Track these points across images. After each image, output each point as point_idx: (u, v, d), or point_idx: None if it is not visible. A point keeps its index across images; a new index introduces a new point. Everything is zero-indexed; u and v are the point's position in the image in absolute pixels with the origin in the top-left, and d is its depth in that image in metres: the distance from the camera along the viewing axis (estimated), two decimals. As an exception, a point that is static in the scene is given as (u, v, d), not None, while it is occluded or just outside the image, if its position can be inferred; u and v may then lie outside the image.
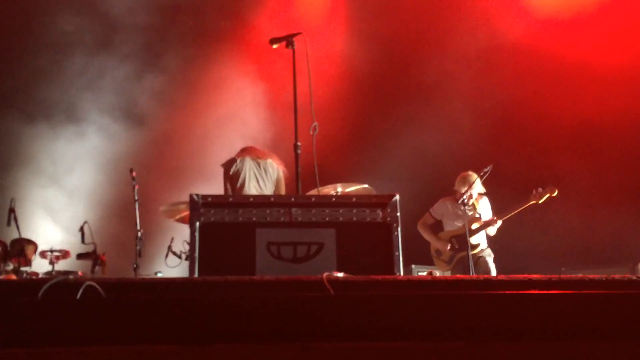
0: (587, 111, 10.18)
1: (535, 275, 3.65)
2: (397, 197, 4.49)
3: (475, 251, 8.19)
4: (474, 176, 8.35)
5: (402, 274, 4.32)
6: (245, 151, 7.77)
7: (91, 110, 10.37)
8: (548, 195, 7.93)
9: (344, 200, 4.55)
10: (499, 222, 8.13)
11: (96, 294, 3.38)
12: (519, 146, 10.70)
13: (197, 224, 4.34)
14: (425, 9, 10.82)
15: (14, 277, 8.10)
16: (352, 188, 7.49)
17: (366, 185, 7.54)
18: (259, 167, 7.56)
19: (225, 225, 4.37)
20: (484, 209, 8.43)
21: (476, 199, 8.38)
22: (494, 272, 8.12)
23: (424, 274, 9.81)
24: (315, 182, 5.89)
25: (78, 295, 3.32)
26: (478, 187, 8.33)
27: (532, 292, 3.51)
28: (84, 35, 10.33)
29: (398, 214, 4.46)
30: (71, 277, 3.44)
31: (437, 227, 8.68)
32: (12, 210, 8.51)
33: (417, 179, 10.32)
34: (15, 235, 8.51)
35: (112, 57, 10.45)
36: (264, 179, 7.47)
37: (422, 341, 3.27)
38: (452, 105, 10.67)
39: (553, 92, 10.52)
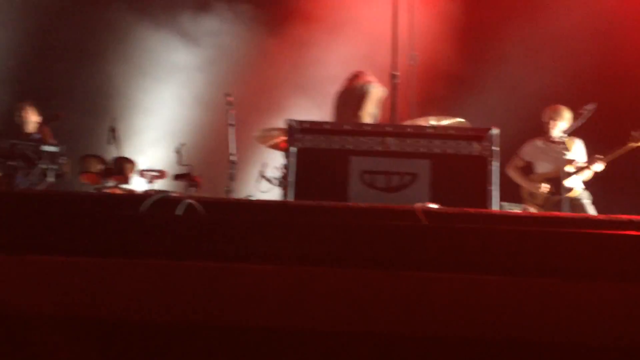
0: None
1: (637, 217, 3.54)
2: (495, 130, 4.41)
3: (571, 194, 7.94)
4: (565, 111, 8.03)
5: (496, 209, 4.28)
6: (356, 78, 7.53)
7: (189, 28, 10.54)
8: None
9: (440, 132, 4.51)
10: (600, 165, 7.82)
11: (195, 212, 3.50)
12: (621, 87, 10.21)
13: (294, 149, 4.39)
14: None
15: (118, 192, 8.47)
16: (445, 122, 7.39)
17: (461, 119, 7.41)
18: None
19: (320, 151, 4.42)
20: (578, 151, 8.13)
21: (569, 139, 8.08)
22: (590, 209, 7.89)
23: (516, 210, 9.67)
24: (410, 113, 5.87)
25: (178, 212, 3.44)
26: (570, 123, 8.02)
27: (633, 232, 3.42)
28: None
29: (496, 149, 4.39)
30: (172, 194, 3.55)
31: (527, 170, 8.42)
32: (112, 130, 8.85)
33: (513, 117, 10.05)
34: (116, 154, 8.85)
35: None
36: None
37: (514, 276, 3.25)
38: (553, 43, 10.25)
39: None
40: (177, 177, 8.86)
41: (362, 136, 4.43)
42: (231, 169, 8.07)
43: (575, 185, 7.97)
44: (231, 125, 8.09)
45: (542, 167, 8.24)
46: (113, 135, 8.93)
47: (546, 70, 10.19)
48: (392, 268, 3.34)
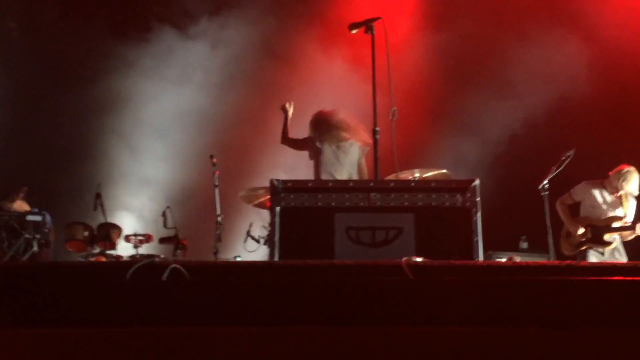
0: None
1: (620, 262, 3.56)
2: (477, 182, 4.45)
3: (605, 248, 7.90)
4: (633, 175, 7.92)
5: (481, 259, 4.29)
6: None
7: (173, 92, 10.61)
8: None
9: (423, 185, 4.54)
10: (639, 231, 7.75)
11: (181, 276, 3.48)
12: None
13: (278, 208, 4.41)
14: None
15: (103, 259, 8.42)
16: (430, 173, 7.43)
17: (444, 171, 7.46)
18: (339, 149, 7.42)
19: (305, 209, 4.42)
20: (630, 209, 8.00)
21: (625, 194, 7.96)
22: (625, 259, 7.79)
23: (503, 260, 9.67)
24: (393, 167, 5.90)
25: (164, 277, 3.43)
26: (634, 186, 7.92)
27: (617, 278, 3.43)
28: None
29: (478, 199, 4.42)
30: (157, 259, 3.54)
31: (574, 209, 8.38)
32: (98, 196, 8.85)
33: (495, 165, 10.17)
34: (102, 220, 8.83)
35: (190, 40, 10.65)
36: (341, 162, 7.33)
37: (501, 327, 3.25)
38: (531, 92, 10.44)
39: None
40: (163, 240, 8.87)
41: (346, 192, 4.46)
42: (217, 230, 8.07)
43: (614, 240, 7.94)
44: (216, 186, 8.14)
45: (587, 211, 8.15)
46: (98, 201, 8.92)
47: (527, 119, 10.38)
48: (381, 324, 3.32)
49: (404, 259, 3.66)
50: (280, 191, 4.43)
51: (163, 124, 10.53)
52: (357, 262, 3.66)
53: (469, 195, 4.42)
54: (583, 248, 7.94)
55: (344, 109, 7.40)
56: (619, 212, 7.94)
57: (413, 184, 4.54)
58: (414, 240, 4.35)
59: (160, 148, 10.51)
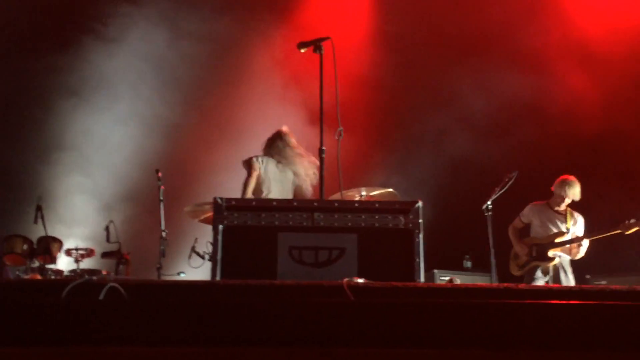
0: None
1: (555, 285, 3.62)
2: (420, 203, 4.49)
3: (551, 263, 8.04)
4: (574, 183, 8.15)
5: (422, 280, 4.32)
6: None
7: (119, 108, 10.46)
8: (637, 228, 7.70)
9: (367, 206, 4.56)
10: (585, 243, 7.94)
11: (118, 295, 3.42)
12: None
13: (220, 227, 4.37)
14: (452, 15, 10.77)
15: (38, 276, 8.22)
16: (376, 192, 7.48)
17: (390, 190, 7.52)
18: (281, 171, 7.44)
19: (247, 228, 4.40)
20: (578, 225, 8.21)
21: (571, 213, 8.20)
22: (570, 278, 7.99)
23: (446, 279, 9.77)
24: (339, 186, 5.92)
25: (101, 296, 3.36)
26: (575, 191, 8.13)
27: (552, 302, 3.49)
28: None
29: (420, 221, 4.46)
30: (94, 277, 3.47)
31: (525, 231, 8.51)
32: (39, 208, 8.63)
33: (441, 184, 10.29)
34: (42, 233, 8.62)
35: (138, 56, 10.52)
36: (283, 183, 7.33)
37: (441, 349, 3.27)
38: (478, 111, 10.61)
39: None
40: (106, 254, 8.71)
41: (290, 212, 4.45)
42: (162, 245, 7.96)
43: (558, 255, 8.06)
44: (161, 200, 8.03)
45: (535, 231, 8.32)
46: (39, 213, 8.70)
47: (473, 139, 10.53)
48: (321, 345, 3.31)
49: (345, 280, 3.66)
50: (223, 209, 4.39)
51: (108, 136, 10.36)
52: (298, 283, 3.65)
53: (411, 216, 4.45)
54: (529, 267, 8.10)
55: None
56: (562, 228, 8.12)
57: (357, 205, 4.55)
58: (356, 260, 4.35)
59: (104, 160, 10.34)
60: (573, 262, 8.25)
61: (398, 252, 4.39)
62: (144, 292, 3.55)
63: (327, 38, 5.91)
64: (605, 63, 10.41)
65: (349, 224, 4.44)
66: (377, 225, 4.44)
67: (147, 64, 10.47)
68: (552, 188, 8.29)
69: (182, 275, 8.51)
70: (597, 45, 10.40)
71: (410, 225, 4.43)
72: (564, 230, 8.10)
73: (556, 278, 7.96)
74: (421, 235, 4.42)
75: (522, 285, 3.58)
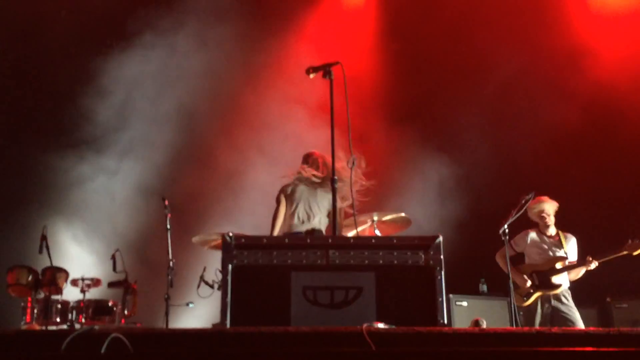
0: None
1: (592, 329, 3.37)
2: (441, 238, 4.24)
3: (557, 291, 7.82)
4: (554, 203, 8.08)
5: (445, 320, 4.06)
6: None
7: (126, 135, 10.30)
8: None
9: (384, 242, 4.31)
10: (594, 264, 7.71)
11: (122, 347, 3.19)
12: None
13: (230, 266, 4.13)
14: (452, 35, 10.63)
15: (36, 327, 8.01)
16: (389, 217, 7.26)
17: (403, 214, 7.30)
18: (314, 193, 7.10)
19: (259, 268, 4.16)
20: (571, 249, 8.03)
21: (564, 235, 8.06)
22: (576, 314, 7.76)
23: (463, 304, 9.52)
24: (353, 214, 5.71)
25: (103, 349, 3.13)
26: (547, 211, 8.05)
27: (588, 349, 3.24)
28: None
29: (441, 257, 4.21)
30: (96, 327, 3.24)
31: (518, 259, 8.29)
32: (44, 238, 8.40)
33: (457, 207, 10.06)
34: (47, 264, 8.40)
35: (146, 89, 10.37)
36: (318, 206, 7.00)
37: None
38: (486, 134, 10.44)
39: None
40: (112, 284, 8.51)
41: (303, 250, 4.21)
42: (169, 275, 7.76)
43: (562, 281, 7.86)
44: (168, 229, 7.84)
45: (532, 259, 8.12)
46: (44, 243, 8.48)
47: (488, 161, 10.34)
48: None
49: (365, 325, 3.42)
50: (232, 248, 4.16)
51: (112, 164, 10.18)
52: (314, 330, 3.40)
53: (432, 252, 4.21)
54: (534, 297, 7.83)
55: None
56: (560, 253, 7.90)
57: (374, 241, 4.30)
58: (374, 300, 4.10)
59: (109, 188, 10.14)
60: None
61: (419, 291, 4.13)
62: (149, 343, 3.31)
63: (336, 63, 5.67)
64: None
65: (366, 262, 4.19)
66: (395, 262, 4.19)
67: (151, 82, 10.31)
68: (530, 216, 8.15)
69: (190, 305, 8.32)
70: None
71: (431, 262, 4.18)
72: (563, 255, 7.88)
73: (560, 305, 7.74)
74: (443, 272, 4.17)
75: (555, 329, 3.33)
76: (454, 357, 3.17)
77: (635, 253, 7.61)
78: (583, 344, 3.27)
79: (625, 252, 7.64)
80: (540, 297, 7.83)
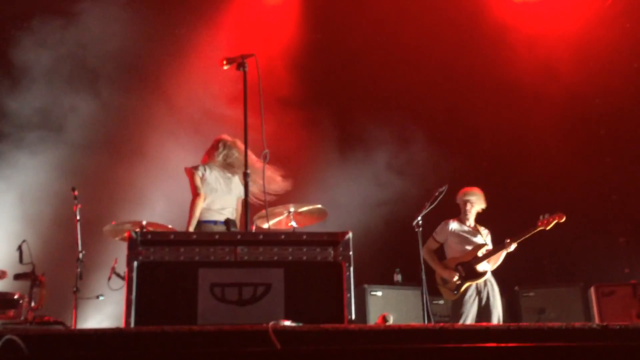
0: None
1: (492, 324, 3.44)
2: (350, 234, 4.24)
3: (483, 279, 7.97)
4: (481, 193, 8.23)
5: (353, 316, 4.07)
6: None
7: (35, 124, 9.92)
8: (556, 221, 7.75)
9: (294, 238, 4.29)
10: (513, 246, 7.84)
11: (16, 349, 3.06)
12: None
13: (135, 263, 4.03)
14: (384, 26, 10.67)
15: None
16: (305, 208, 7.24)
17: (319, 206, 7.29)
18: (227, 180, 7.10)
19: (165, 264, 4.07)
20: (488, 240, 8.19)
21: (481, 227, 8.23)
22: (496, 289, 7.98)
23: (378, 294, 9.62)
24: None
25: (-4, 352, 3.00)
26: (479, 203, 8.20)
27: (489, 345, 3.30)
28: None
29: (351, 253, 4.21)
30: (-10, 328, 3.10)
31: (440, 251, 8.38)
32: (-55, 229, 8.04)
33: (372, 198, 10.15)
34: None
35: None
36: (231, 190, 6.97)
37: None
38: (410, 125, 10.55)
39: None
40: (19, 276, 8.17)
41: (211, 246, 4.14)
42: (79, 267, 7.54)
43: (487, 268, 8.00)
44: (78, 220, 7.62)
45: (453, 249, 8.22)
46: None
47: (403, 154, 10.45)
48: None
49: (271, 323, 3.39)
50: (138, 244, 4.05)
51: (18, 154, 9.80)
52: (219, 329, 3.34)
53: (341, 248, 4.21)
54: (463, 288, 7.96)
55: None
56: (479, 240, 8.07)
57: (283, 237, 4.26)
58: (283, 297, 4.07)
59: (15, 179, 9.76)
60: (500, 274, 8.22)
61: (327, 287, 4.13)
62: (46, 345, 3.18)
63: (251, 55, 5.59)
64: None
65: (275, 258, 4.16)
66: (304, 258, 4.17)
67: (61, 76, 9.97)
68: (457, 201, 8.31)
69: (100, 298, 8.09)
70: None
71: (340, 257, 4.18)
72: (482, 242, 8.06)
73: (487, 292, 7.92)
74: (352, 269, 4.17)
75: (457, 326, 3.37)
76: (359, 355, 3.18)
77: (548, 227, 7.80)
78: (484, 339, 3.33)
79: (540, 228, 7.80)
80: (469, 287, 7.95)
